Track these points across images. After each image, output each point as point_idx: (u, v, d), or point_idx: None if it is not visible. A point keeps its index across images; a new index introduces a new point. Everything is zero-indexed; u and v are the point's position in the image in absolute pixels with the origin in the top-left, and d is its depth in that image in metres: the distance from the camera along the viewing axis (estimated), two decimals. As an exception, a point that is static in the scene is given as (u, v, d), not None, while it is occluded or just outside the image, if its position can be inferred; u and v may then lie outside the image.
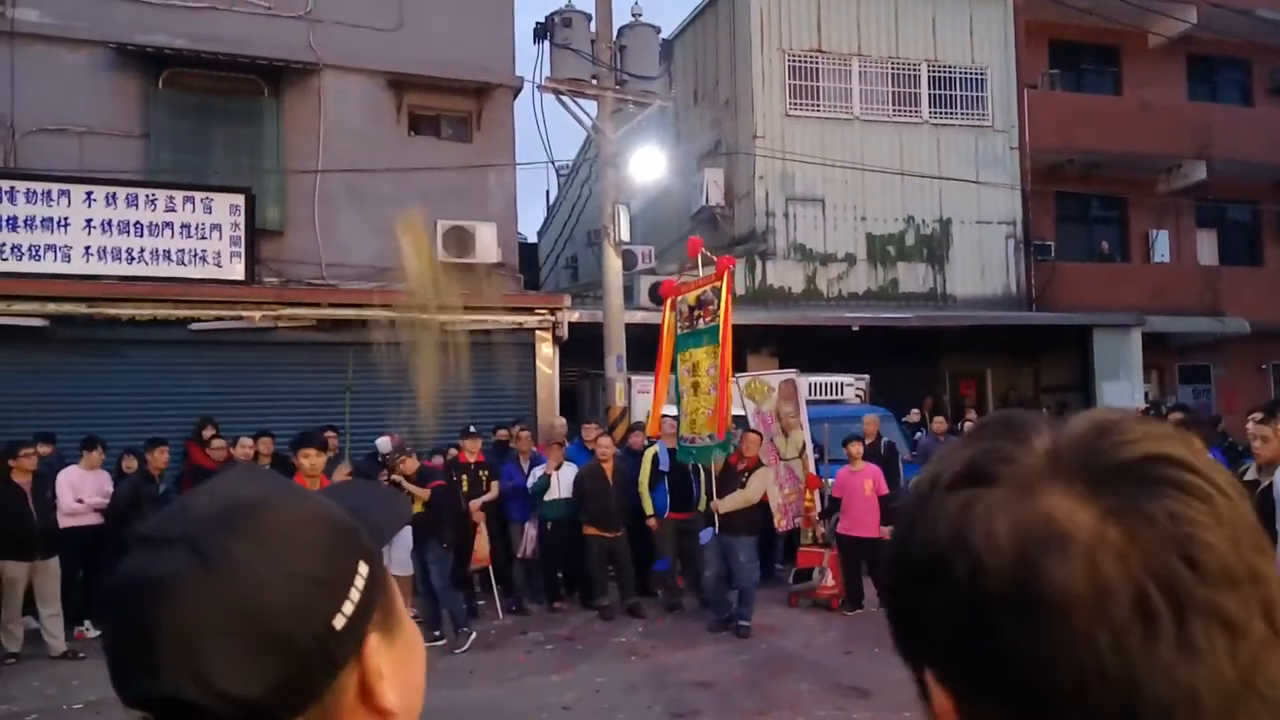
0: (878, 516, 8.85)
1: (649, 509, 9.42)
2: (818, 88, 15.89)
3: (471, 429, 9.70)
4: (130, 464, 9.14)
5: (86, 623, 8.60)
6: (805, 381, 13.46)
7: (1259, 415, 5.17)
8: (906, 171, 16.03)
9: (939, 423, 12.59)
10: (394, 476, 8.19)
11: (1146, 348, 16.12)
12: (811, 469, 9.85)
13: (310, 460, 6.44)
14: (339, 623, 0.67)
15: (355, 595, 0.69)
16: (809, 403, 12.74)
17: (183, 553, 0.65)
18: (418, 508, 8.01)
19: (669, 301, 9.44)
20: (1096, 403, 15.39)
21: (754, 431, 9.17)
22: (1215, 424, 13.06)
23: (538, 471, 9.56)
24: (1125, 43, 18.34)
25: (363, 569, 0.71)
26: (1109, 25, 17.21)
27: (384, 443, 8.81)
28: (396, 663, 0.72)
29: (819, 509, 9.63)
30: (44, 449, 8.93)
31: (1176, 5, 17.28)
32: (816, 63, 15.92)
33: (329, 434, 10.09)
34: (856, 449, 9.20)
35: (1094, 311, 16.14)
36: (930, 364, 16.89)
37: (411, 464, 8.31)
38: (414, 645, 0.76)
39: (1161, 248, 18.65)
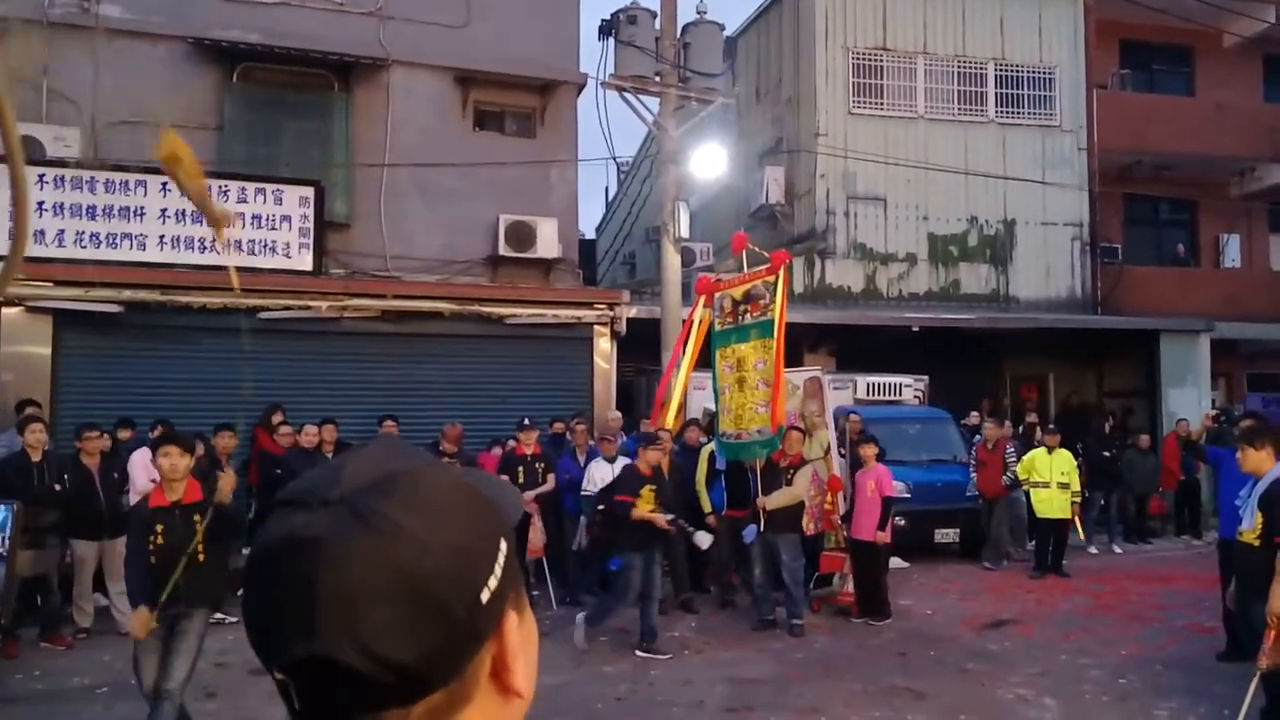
0: (876, 519, 8.67)
1: (707, 507, 9.38)
2: (882, 86, 15.74)
3: (527, 421, 9.76)
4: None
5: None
6: (863, 381, 13.41)
7: None
8: (971, 171, 15.82)
9: (1005, 428, 12.37)
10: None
11: (1215, 354, 15.70)
12: (836, 470, 9.51)
13: (170, 461, 4.98)
14: (485, 596, 0.67)
15: (498, 570, 0.69)
16: (866, 403, 12.63)
17: (343, 514, 0.64)
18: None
19: (702, 297, 9.33)
20: (1162, 408, 15.09)
21: (796, 428, 9.02)
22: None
23: (593, 473, 9.40)
24: (1199, 43, 17.88)
25: (503, 545, 0.71)
26: (1182, 25, 16.75)
27: (703, 538, 8.42)
28: (523, 645, 0.72)
29: (840, 511, 9.38)
30: (124, 433, 9.20)
31: (1254, 4, 16.79)
32: (881, 60, 15.77)
33: (389, 423, 10.29)
34: (869, 450, 9.00)
35: (1161, 316, 15.77)
36: (991, 366, 16.65)
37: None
38: (534, 632, 0.76)
39: (1232, 252, 18.20)
